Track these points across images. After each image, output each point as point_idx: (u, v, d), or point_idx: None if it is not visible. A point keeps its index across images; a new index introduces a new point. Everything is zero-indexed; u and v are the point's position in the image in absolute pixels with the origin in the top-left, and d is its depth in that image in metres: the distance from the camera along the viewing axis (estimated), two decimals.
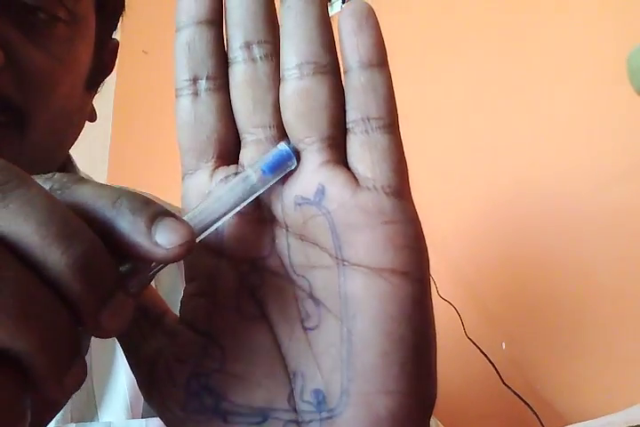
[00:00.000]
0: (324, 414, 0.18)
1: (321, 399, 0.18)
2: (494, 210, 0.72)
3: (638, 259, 0.59)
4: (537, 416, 0.61)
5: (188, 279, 0.20)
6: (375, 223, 0.18)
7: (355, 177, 0.19)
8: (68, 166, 0.46)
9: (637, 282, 0.59)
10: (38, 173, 0.33)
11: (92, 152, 1.47)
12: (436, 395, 0.19)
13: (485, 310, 0.70)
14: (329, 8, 0.82)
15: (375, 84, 0.19)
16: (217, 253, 0.20)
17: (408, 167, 0.19)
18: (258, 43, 0.19)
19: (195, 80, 0.20)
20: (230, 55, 0.20)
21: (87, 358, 0.42)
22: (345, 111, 0.19)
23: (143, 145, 1.43)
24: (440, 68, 0.80)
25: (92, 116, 0.44)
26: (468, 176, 0.75)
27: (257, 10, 0.19)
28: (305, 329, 0.19)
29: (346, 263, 0.18)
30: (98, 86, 0.44)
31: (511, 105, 0.72)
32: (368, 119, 0.19)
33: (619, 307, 0.60)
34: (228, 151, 0.20)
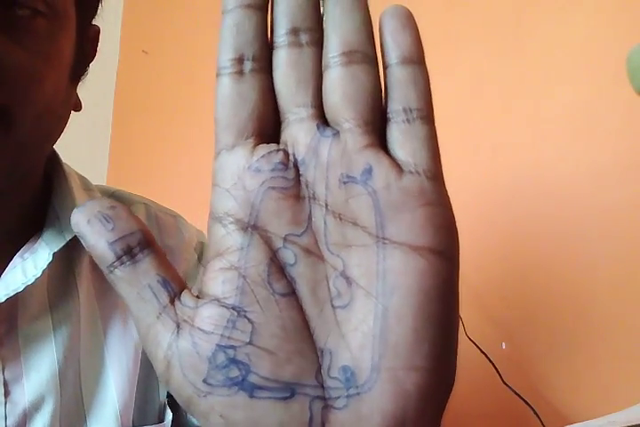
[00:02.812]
0: (352, 391, 0.19)
1: (349, 376, 0.19)
2: (494, 210, 0.72)
3: (638, 259, 0.59)
4: (537, 416, 0.61)
5: (215, 254, 0.20)
6: (417, 205, 0.19)
7: (396, 161, 0.20)
8: (53, 161, 0.45)
9: (637, 282, 0.59)
10: (25, 167, 0.33)
11: (92, 152, 1.46)
12: (455, 375, 0.20)
13: (485, 310, 0.70)
14: None
15: (416, 79, 0.20)
16: (250, 227, 0.20)
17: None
18: (304, 30, 0.20)
19: (239, 60, 0.20)
20: (275, 40, 0.21)
21: (76, 366, 0.42)
22: (382, 102, 0.20)
23: (143, 145, 1.43)
24: (440, 68, 0.80)
25: (77, 106, 0.44)
26: (468, 176, 0.75)
27: (304, 0, 0.20)
28: (334, 307, 0.20)
29: (386, 241, 0.19)
30: (82, 76, 0.43)
31: (511, 105, 0.72)
32: (410, 110, 0.20)
33: (619, 307, 0.60)
34: (269, 129, 0.21)
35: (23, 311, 0.40)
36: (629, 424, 0.43)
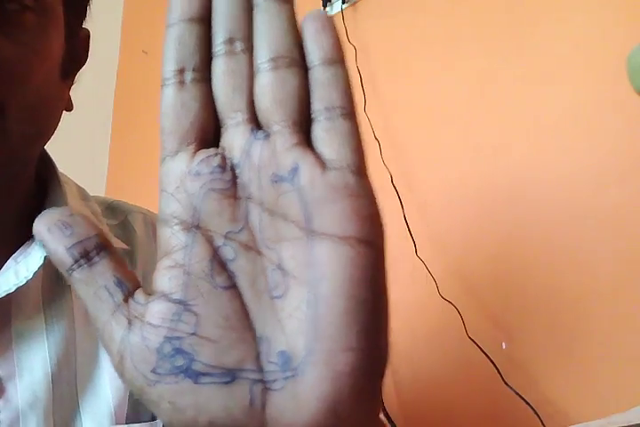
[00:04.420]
0: (288, 373, 0.20)
1: (286, 360, 0.20)
2: (494, 210, 0.72)
3: (638, 259, 0.59)
4: (538, 416, 0.61)
5: (163, 253, 0.22)
6: (342, 197, 0.20)
7: (320, 158, 0.21)
8: (48, 167, 0.46)
9: (638, 282, 0.59)
10: (16, 164, 0.35)
11: (92, 152, 1.46)
12: (388, 354, 0.21)
13: (486, 310, 0.70)
14: (329, 8, 0.82)
15: (337, 78, 0.21)
16: (193, 227, 0.21)
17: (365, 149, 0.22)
18: (239, 39, 0.22)
19: (181, 71, 0.22)
20: (213, 49, 0.22)
21: (71, 365, 0.42)
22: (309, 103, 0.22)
23: (143, 145, 1.43)
24: (440, 68, 0.80)
25: (69, 106, 0.45)
26: (468, 176, 0.75)
27: (239, 12, 0.22)
28: (272, 298, 0.21)
29: (314, 233, 0.20)
30: (74, 76, 0.44)
31: (510, 105, 0.72)
32: (332, 108, 0.21)
33: (619, 307, 0.60)
34: (210, 135, 0.22)
35: (17, 310, 0.41)
36: (629, 424, 0.43)
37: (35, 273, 0.40)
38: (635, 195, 0.60)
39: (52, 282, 0.43)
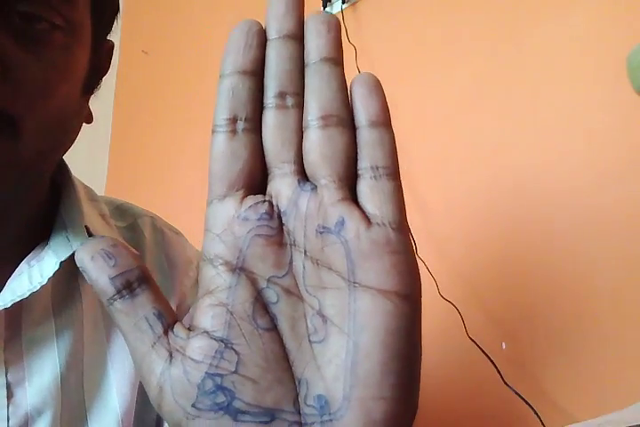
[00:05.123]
0: (326, 418, 0.21)
1: (323, 404, 0.21)
2: (494, 210, 0.72)
3: (638, 258, 0.59)
4: (538, 416, 0.61)
5: (205, 291, 0.22)
6: (383, 253, 0.21)
7: (365, 214, 0.22)
8: (62, 171, 0.46)
9: (637, 282, 0.59)
10: (31, 177, 0.37)
11: (92, 152, 1.46)
12: (417, 403, 0.22)
13: (486, 310, 0.70)
14: (328, 8, 0.82)
15: (383, 140, 0.23)
16: (238, 269, 0.22)
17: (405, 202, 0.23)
18: (290, 94, 0.23)
19: (233, 120, 0.23)
20: (265, 102, 0.23)
21: (79, 372, 0.42)
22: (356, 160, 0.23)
23: (143, 145, 1.43)
24: (440, 68, 0.80)
25: (89, 118, 0.45)
26: (469, 176, 0.75)
27: (291, 67, 0.23)
28: (311, 342, 0.22)
29: (357, 285, 0.21)
30: (94, 89, 0.44)
31: (511, 104, 0.72)
32: (377, 167, 0.22)
33: (619, 306, 0.60)
34: (256, 182, 0.23)
35: (27, 316, 0.41)
36: (629, 424, 0.43)
37: (49, 278, 0.40)
38: (634, 195, 0.60)
39: (62, 288, 0.43)
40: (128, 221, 0.50)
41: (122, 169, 1.50)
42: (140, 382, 0.45)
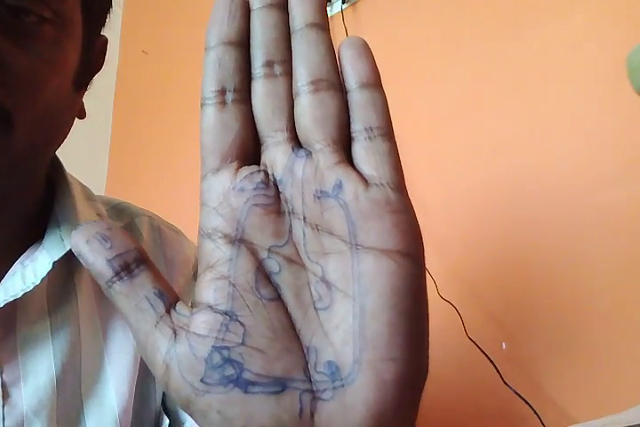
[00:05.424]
0: (337, 383, 0.20)
1: (334, 370, 0.21)
2: (494, 210, 0.72)
3: (638, 258, 0.59)
4: (538, 416, 0.61)
5: (205, 266, 0.22)
6: (384, 212, 0.21)
7: (362, 176, 0.22)
8: (56, 169, 0.46)
9: (637, 281, 0.59)
10: (23, 172, 0.36)
11: (92, 152, 1.47)
12: (428, 366, 0.22)
13: (486, 310, 0.70)
14: (328, 8, 0.82)
15: (374, 101, 0.22)
16: (237, 240, 0.22)
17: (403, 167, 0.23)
18: (277, 62, 0.23)
19: (222, 91, 0.23)
20: (253, 71, 0.23)
21: (76, 371, 0.42)
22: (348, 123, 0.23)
23: (143, 145, 1.43)
24: (440, 68, 0.80)
25: (82, 114, 0.44)
26: (468, 176, 0.75)
27: (277, 35, 0.23)
28: (317, 309, 0.22)
29: (359, 247, 0.21)
30: (87, 84, 0.44)
31: (510, 104, 0.72)
32: (371, 128, 0.22)
33: (619, 306, 0.60)
34: (249, 153, 0.23)
35: (22, 315, 0.40)
36: (630, 424, 0.43)
37: (42, 279, 0.40)
38: (634, 195, 0.60)
39: (57, 287, 0.43)
40: (125, 221, 0.50)
41: (122, 169, 1.50)
42: (138, 381, 0.45)
